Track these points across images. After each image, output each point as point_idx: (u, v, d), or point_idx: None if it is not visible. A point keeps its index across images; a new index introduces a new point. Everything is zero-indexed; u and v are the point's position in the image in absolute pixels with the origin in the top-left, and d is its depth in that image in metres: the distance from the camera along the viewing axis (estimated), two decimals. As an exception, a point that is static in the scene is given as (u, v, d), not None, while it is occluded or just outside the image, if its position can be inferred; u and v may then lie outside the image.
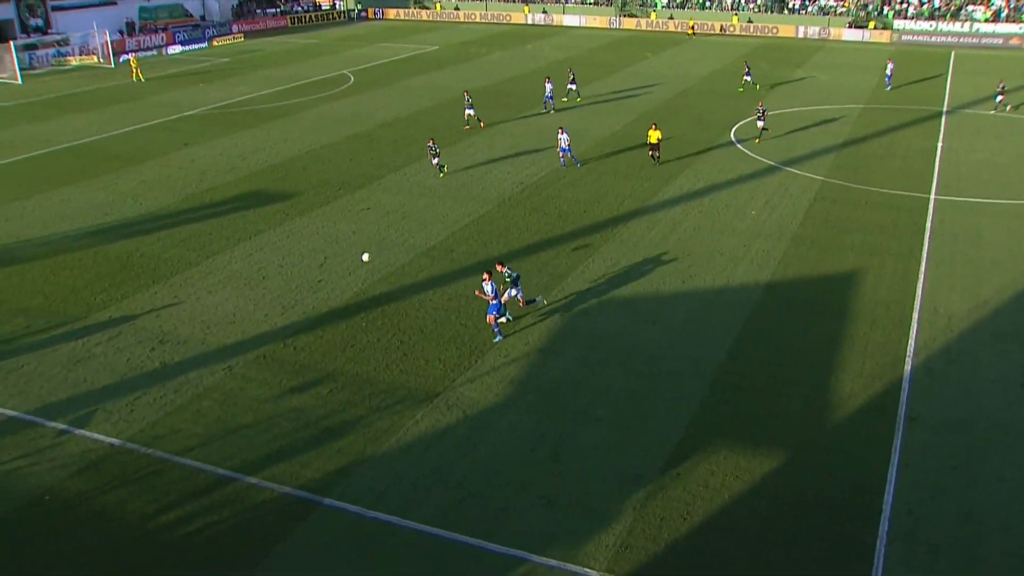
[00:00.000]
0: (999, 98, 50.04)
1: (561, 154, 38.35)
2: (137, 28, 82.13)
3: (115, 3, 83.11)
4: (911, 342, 23.13)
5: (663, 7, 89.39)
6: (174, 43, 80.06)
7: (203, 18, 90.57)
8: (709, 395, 20.67)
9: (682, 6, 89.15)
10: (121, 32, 79.48)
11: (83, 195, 36.03)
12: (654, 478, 17.70)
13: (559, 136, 38.29)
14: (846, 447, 18.73)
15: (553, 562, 15.52)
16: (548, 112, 48.80)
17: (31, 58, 69.26)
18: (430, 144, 37.46)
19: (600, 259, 28.58)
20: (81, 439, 19.14)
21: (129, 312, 25.27)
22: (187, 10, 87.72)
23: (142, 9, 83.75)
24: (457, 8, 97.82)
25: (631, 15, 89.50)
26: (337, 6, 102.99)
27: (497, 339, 23.17)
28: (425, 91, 56.11)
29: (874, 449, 18.61)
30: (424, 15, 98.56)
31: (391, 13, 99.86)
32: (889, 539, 16.03)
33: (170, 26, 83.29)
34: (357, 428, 19.39)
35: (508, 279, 23.92)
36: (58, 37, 73.86)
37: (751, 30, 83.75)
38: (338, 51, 75.36)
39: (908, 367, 21.86)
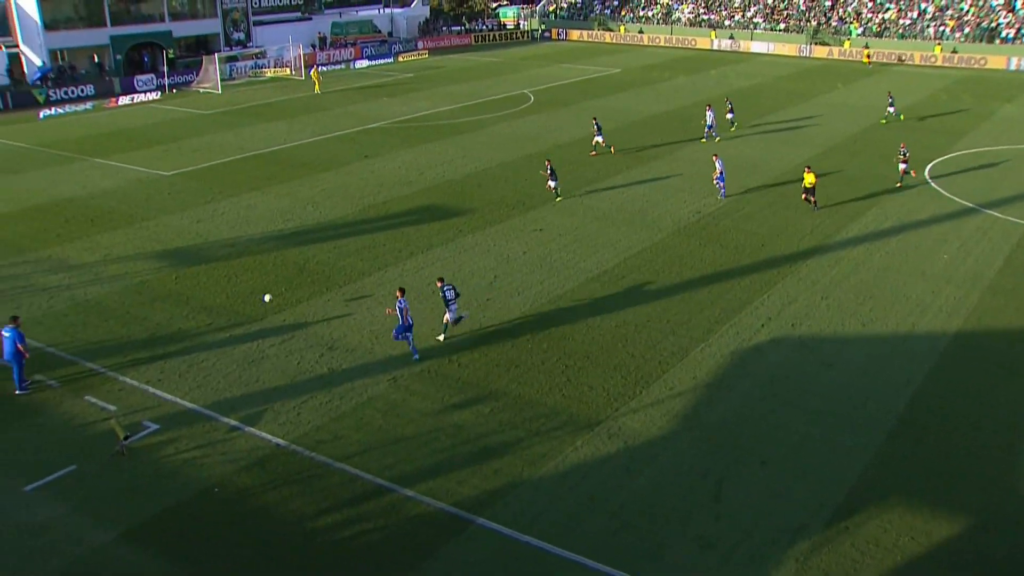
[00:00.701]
0: None
1: (717, 184, 37.90)
2: (328, 42, 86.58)
3: (310, 18, 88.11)
4: (1122, 409, 21.33)
5: (858, 35, 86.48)
6: (362, 57, 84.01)
7: (390, 34, 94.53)
8: (885, 446, 19.72)
9: (879, 35, 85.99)
10: (313, 46, 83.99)
11: (268, 200, 38.18)
12: (820, 530, 17.03)
13: (715, 163, 37.93)
14: (1040, 518, 17.44)
15: (707, 607, 15.17)
16: (715, 140, 47.95)
17: (231, 69, 74.32)
18: (546, 164, 38.18)
19: (776, 295, 27.85)
20: (250, 436, 20.22)
21: (302, 317, 26.53)
22: (376, 26, 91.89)
23: (334, 24, 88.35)
24: (641, 31, 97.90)
25: (823, 43, 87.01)
26: (521, 26, 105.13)
27: (415, 357, 23.81)
28: (605, 113, 56.33)
29: (1072, 523, 17.24)
30: (607, 37, 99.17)
31: (574, 34, 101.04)
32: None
33: (359, 41, 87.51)
34: (515, 450, 19.60)
35: (445, 297, 24.53)
36: (256, 50, 78.92)
37: (955, 61, 79.81)
38: (519, 70, 76.83)
39: (1117, 436, 20.16)
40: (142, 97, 65.27)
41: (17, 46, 66.39)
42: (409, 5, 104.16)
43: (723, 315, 26.38)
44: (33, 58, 66.80)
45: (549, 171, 37.51)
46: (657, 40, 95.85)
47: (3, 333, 22.05)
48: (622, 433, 20.24)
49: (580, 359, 23.77)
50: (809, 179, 36.06)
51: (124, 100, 64.02)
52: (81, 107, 61.44)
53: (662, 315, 26.45)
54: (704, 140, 48.16)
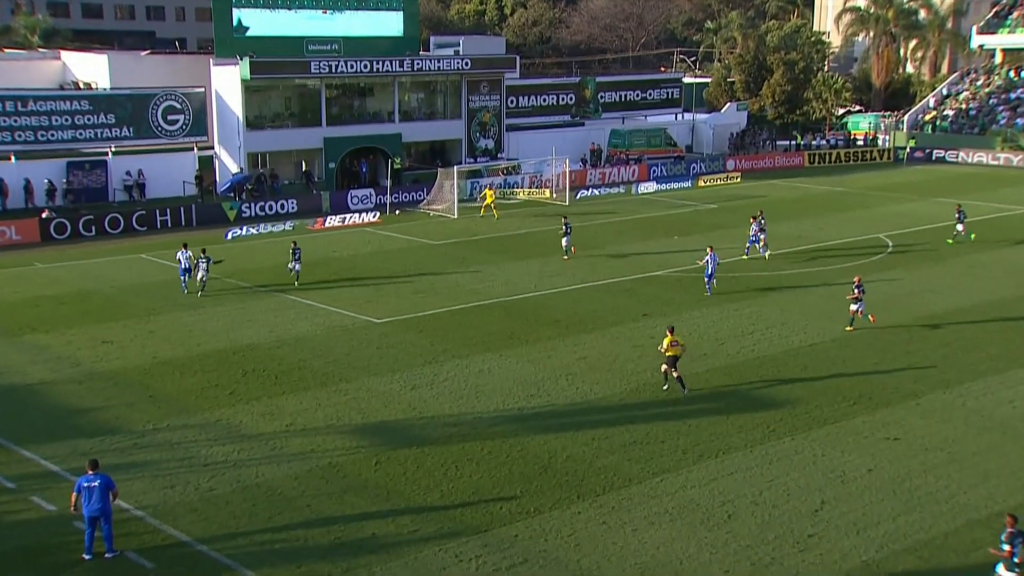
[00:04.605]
0: None
1: None
2: (603, 157, 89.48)
3: (582, 124, 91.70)
4: None
5: None
6: (648, 179, 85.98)
7: (690, 148, 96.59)
8: None
9: None
10: (583, 160, 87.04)
11: (507, 366, 39.21)
12: None
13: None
14: None
15: None
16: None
17: (472, 187, 78.12)
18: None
19: None
20: None
21: (542, 533, 26.50)
22: (671, 138, 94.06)
23: (614, 133, 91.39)
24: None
25: None
26: (880, 142, 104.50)
27: None
28: (1006, 271, 54.33)
29: None
30: (1016, 159, 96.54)
31: (962, 155, 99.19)
32: None
33: (645, 156, 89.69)
34: None
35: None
36: (507, 163, 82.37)
37: None
38: (872, 204, 76.12)
39: None
40: (356, 218, 70.06)
41: (212, 147, 73.17)
42: (719, 110, 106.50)
43: None
44: (228, 162, 73.41)
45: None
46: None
47: (86, 484, 24.64)
48: None
49: (951, 640, 22.25)
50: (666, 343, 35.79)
51: (333, 220, 68.91)
52: (278, 227, 66.56)
53: (1086, 585, 24.35)
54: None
